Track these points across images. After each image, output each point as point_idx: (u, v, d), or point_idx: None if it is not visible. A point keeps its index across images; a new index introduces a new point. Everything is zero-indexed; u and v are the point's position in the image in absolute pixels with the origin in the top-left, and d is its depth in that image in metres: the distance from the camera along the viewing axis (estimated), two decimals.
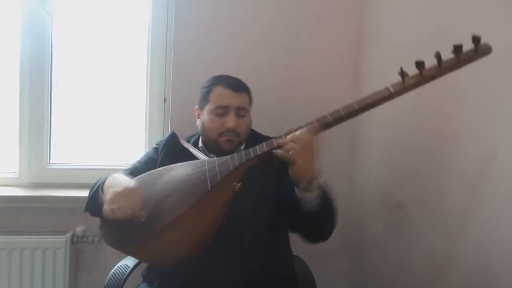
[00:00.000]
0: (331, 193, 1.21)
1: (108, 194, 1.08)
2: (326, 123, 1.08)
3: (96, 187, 1.25)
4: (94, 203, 1.22)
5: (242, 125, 1.34)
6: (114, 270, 1.45)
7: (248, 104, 1.39)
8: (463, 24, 1.22)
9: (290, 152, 1.06)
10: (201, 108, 1.40)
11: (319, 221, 1.20)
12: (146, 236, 1.06)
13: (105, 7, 1.88)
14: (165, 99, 1.86)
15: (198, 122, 1.42)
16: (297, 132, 1.08)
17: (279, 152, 1.07)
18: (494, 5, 1.13)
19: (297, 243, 1.45)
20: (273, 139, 1.11)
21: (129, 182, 1.12)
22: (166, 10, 1.82)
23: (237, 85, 1.36)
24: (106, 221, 1.12)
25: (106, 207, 1.05)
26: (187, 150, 1.37)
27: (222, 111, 1.33)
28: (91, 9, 1.86)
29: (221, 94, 1.34)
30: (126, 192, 1.06)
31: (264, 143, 1.12)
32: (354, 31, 1.84)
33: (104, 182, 1.19)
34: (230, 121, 1.31)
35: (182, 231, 1.07)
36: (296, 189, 1.15)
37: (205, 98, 1.38)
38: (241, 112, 1.34)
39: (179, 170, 1.17)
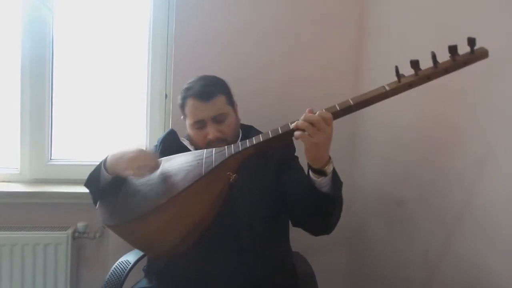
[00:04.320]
0: (340, 180, 1.20)
1: (122, 163, 1.14)
2: None
3: (98, 164, 1.27)
4: (94, 178, 1.25)
5: (225, 129, 1.32)
6: (115, 265, 1.46)
7: (226, 105, 1.34)
8: (465, 22, 1.22)
9: (305, 133, 1.04)
10: (184, 119, 1.40)
11: (330, 206, 1.19)
12: (140, 215, 1.08)
13: (105, 4, 1.87)
14: (166, 95, 1.86)
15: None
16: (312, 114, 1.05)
17: (297, 133, 1.05)
18: (496, 3, 1.13)
19: (297, 240, 1.46)
20: (289, 123, 1.09)
21: (134, 146, 1.18)
22: (167, 6, 1.82)
23: (206, 93, 1.31)
24: (103, 199, 1.19)
25: (129, 172, 1.12)
26: (185, 147, 1.37)
27: (200, 124, 1.32)
28: (92, 6, 1.86)
29: (193, 108, 1.32)
30: (139, 153, 1.14)
31: (261, 134, 1.12)
32: (355, 28, 1.83)
33: (106, 159, 1.22)
34: (211, 132, 1.30)
35: (175, 214, 1.08)
36: (310, 173, 1.15)
37: (182, 112, 1.38)
38: (219, 118, 1.31)
39: (178, 159, 1.19)
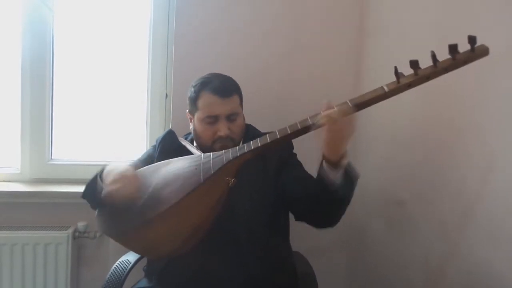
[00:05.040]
0: (355, 174, 1.16)
1: (109, 178, 1.13)
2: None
3: (94, 175, 1.26)
4: (91, 190, 1.24)
5: (235, 128, 1.31)
6: (116, 265, 1.46)
7: (239, 106, 1.35)
8: (465, 22, 1.22)
9: (331, 124, 1.02)
10: (191, 113, 1.36)
11: (338, 201, 1.17)
12: (138, 224, 1.08)
13: (106, 3, 1.87)
14: (166, 95, 1.86)
15: (191, 126, 1.39)
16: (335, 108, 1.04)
17: (321, 120, 1.03)
18: (497, 3, 1.13)
19: (298, 240, 1.46)
20: (286, 127, 1.08)
21: (128, 168, 1.17)
22: (167, 5, 1.82)
23: (225, 90, 1.29)
24: (102, 209, 1.18)
25: (106, 189, 1.10)
26: (184, 147, 1.37)
27: (212, 119, 1.29)
28: (92, 5, 1.86)
29: (209, 102, 1.29)
30: (125, 175, 1.12)
31: (259, 138, 1.12)
32: (355, 28, 1.83)
33: (102, 170, 1.21)
34: (222, 129, 1.27)
35: (174, 222, 1.09)
36: (322, 167, 1.12)
37: (193, 105, 1.33)
38: (232, 116, 1.30)
39: (176, 164, 1.18)
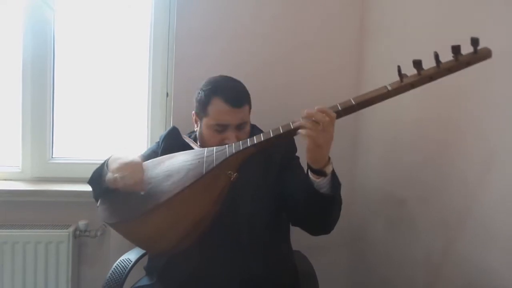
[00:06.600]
0: (339, 180, 1.19)
1: (114, 164, 1.14)
2: None
3: (102, 162, 1.27)
4: (97, 176, 1.25)
5: (243, 136, 1.28)
6: (116, 264, 1.46)
7: (249, 114, 1.33)
8: (467, 20, 1.22)
9: (311, 131, 1.03)
10: (199, 117, 1.34)
11: (329, 207, 1.18)
12: (139, 214, 1.08)
13: (107, 2, 1.87)
14: (167, 93, 1.86)
15: (196, 128, 1.38)
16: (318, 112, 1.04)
17: (302, 131, 1.04)
18: (497, 3, 1.13)
19: (298, 238, 1.46)
20: (290, 123, 1.08)
21: (135, 157, 1.18)
22: (168, 4, 1.82)
23: (237, 100, 1.27)
24: (105, 197, 1.19)
25: (110, 175, 1.11)
26: (187, 145, 1.37)
27: (221, 128, 1.27)
28: (93, 4, 1.86)
29: (220, 111, 1.26)
30: (131, 164, 1.13)
31: (262, 133, 1.12)
32: (356, 27, 1.83)
33: (109, 157, 1.22)
34: (231, 138, 1.25)
35: (175, 214, 1.09)
36: (310, 174, 1.14)
37: (203, 109, 1.30)
38: (242, 125, 1.29)
39: (179, 157, 1.19)
